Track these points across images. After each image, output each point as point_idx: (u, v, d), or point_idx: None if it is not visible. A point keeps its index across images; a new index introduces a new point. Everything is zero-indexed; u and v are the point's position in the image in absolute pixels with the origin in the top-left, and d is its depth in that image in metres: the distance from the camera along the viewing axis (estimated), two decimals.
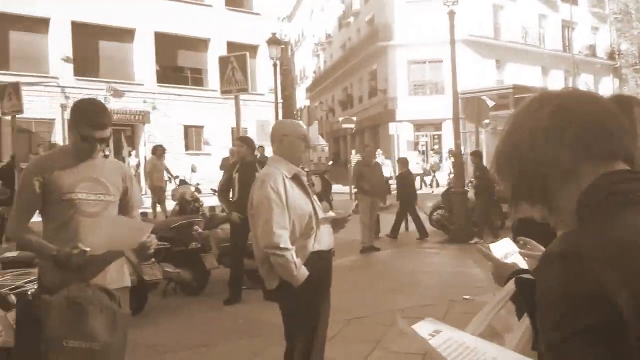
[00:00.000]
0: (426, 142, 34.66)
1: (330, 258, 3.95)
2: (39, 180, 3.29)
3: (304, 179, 3.89)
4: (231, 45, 26.51)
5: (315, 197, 3.91)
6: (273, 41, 19.03)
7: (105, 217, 3.34)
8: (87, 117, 3.30)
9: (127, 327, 3.31)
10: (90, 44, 25.64)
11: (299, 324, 3.82)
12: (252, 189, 3.85)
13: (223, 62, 10.23)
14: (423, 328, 1.52)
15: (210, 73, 28.64)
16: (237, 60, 10.00)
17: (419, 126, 34.57)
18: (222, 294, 7.97)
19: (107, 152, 3.49)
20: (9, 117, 14.04)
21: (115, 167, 3.59)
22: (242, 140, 7.98)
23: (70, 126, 3.40)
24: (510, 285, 1.75)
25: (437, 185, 28.94)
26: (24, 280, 4.95)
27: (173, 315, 7.32)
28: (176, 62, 28.60)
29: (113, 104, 25.77)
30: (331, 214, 4.01)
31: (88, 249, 3.15)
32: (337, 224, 4.03)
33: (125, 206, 3.57)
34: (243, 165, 7.85)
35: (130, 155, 25.89)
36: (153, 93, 26.90)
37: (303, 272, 3.67)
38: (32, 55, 24.39)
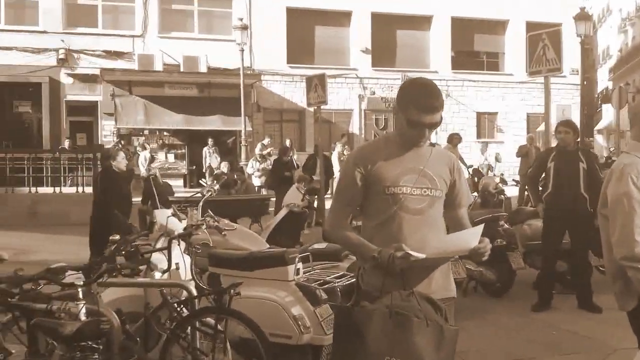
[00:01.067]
0: None
1: None
2: (360, 172, 2.92)
3: None
4: (531, 25, 24.91)
5: None
6: (581, 17, 17.32)
7: (433, 218, 2.86)
8: (417, 99, 2.83)
9: (455, 346, 2.80)
10: (388, 34, 26.18)
11: None
12: (605, 183, 3.07)
13: (533, 40, 9.31)
14: None
15: (507, 56, 27.45)
16: (549, 37, 8.99)
17: None
18: (528, 298, 7.17)
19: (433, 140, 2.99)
20: (311, 109, 14.79)
21: (442, 156, 3.06)
22: (567, 125, 6.97)
23: (396, 110, 2.95)
24: None
25: None
26: (333, 276, 4.78)
27: (476, 317, 6.70)
28: (472, 46, 27.88)
29: None
30: None
31: (414, 255, 2.69)
32: None
33: (451, 202, 3.04)
34: (562, 154, 6.88)
35: None
36: (447, 80, 26.58)
37: None
38: (335, 49, 25.71)
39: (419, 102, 2.82)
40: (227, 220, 6.11)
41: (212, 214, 5.87)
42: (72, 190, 14.99)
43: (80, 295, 3.39)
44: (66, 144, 20.12)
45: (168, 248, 4.49)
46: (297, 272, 4.85)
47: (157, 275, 4.50)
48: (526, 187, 10.82)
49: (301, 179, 11.20)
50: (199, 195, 7.14)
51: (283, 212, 7.49)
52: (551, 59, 8.95)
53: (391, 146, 2.97)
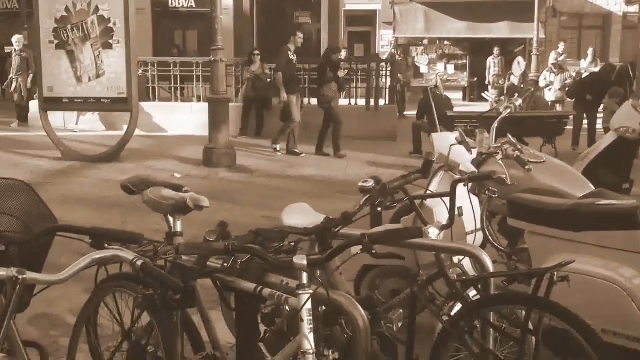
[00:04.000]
0: None
1: None
2: None
3: None
4: None
5: None
6: None
7: None
8: None
9: None
10: None
11: None
12: None
13: None
14: None
15: None
16: None
17: None
18: None
19: None
20: (620, 13, 11.69)
21: None
22: None
23: None
24: None
25: None
26: None
27: None
28: None
29: None
30: None
31: None
32: None
33: None
34: None
35: None
36: None
37: None
38: None
39: None
40: (533, 150, 4.35)
41: (512, 139, 4.16)
42: (345, 102, 14.17)
43: (304, 280, 2.01)
44: (343, 54, 19.53)
45: (451, 194, 2.95)
46: None
47: (433, 232, 2.96)
48: None
49: (616, 94, 8.74)
50: (493, 112, 5.45)
51: (610, 138, 5.41)
52: None
53: None
